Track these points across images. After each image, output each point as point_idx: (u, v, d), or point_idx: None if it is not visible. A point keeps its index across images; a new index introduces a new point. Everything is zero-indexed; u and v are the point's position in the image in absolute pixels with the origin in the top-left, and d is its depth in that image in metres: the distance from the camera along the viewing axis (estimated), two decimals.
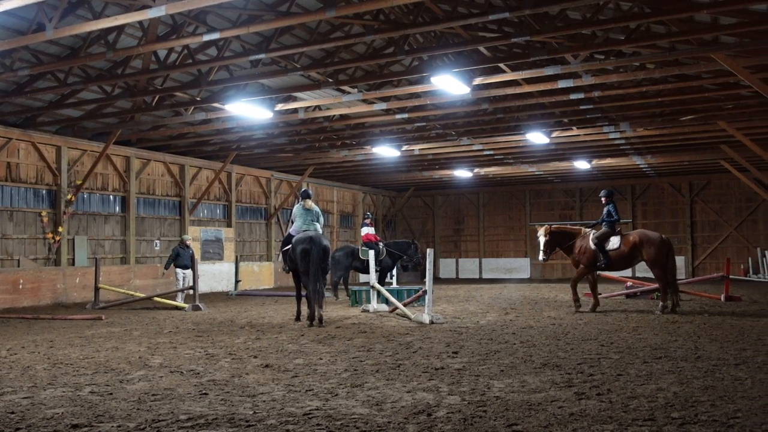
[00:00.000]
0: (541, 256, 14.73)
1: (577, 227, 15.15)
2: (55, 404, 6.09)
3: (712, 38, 13.12)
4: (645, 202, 33.26)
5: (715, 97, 17.35)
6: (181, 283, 17.68)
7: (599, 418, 5.31)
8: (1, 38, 13.34)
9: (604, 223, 14.42)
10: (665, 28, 13.25)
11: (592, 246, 14.11)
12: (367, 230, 19.88)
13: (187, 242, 17.98)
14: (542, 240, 14.57)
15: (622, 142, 23.15)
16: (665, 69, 14.95)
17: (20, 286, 17.86)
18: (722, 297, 16.24)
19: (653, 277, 14.46)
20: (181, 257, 17.54)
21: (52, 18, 11.86)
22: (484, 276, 34.79)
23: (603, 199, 14.78)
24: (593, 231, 14.44)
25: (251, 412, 5.67)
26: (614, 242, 14.09)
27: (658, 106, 18.88)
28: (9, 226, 18.40)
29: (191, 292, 16.91)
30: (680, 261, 31.65)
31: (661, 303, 13.86)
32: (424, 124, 20.98)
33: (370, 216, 20.67)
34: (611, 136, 21.65)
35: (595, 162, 27.26)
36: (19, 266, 18.36)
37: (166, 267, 18.02)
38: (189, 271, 17.45)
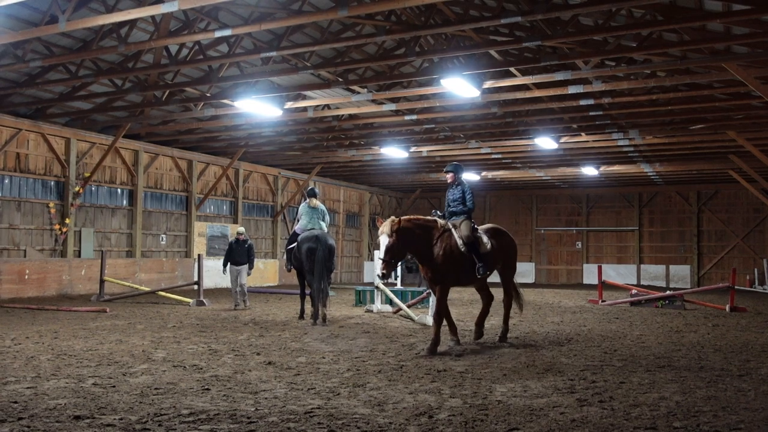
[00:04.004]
0: (378, 271, 9.63)
1: (432, 219, 9.60)
2: (58, 395, 6.12)
3: (725, 48, 13.07)
4: (652, 210, 33.16)
5: (725, 107, 17.30)
6: (234, 282, 15.74)
7: (601, 425, 5.29)
8: (14, 29, 13.40)
9: (461, 215, 9.78)
10: (677, 36, 13.22)
11: (462, 246, 9.36)
12: None
13: (242, 236, 15.98)
14: (384, 243, 9.12)
15: (631, 149, 23.10)
16: (676, 77, 14.92)
17: (26, 277, 17.94)
18: (727, 307, 16.18)
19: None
20: (234, 252, 15.76)
21: (65, 10, 11.90)
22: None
23: (449, 176, 10.12)
24: (452, 225, 9.58)
25: (253, 409, 5.68)
26: (485, 241, 9.73)
27: (668, 114, 18.82)
28: (16, 217, 18.47)
29: (243, 292, 15.70)
30: (686, 270, 31.68)
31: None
32: (432, 126, 20.99)
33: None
34: (620, 143, 21.60)
35: (603, 168, 27.20)
36: (25, 257, 18.44)
37: (224, 266, 15.81)
38: (243, 268, 15.73)
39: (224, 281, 23.99)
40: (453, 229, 9.45)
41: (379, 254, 9.33)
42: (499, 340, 10.11)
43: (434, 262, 9.18)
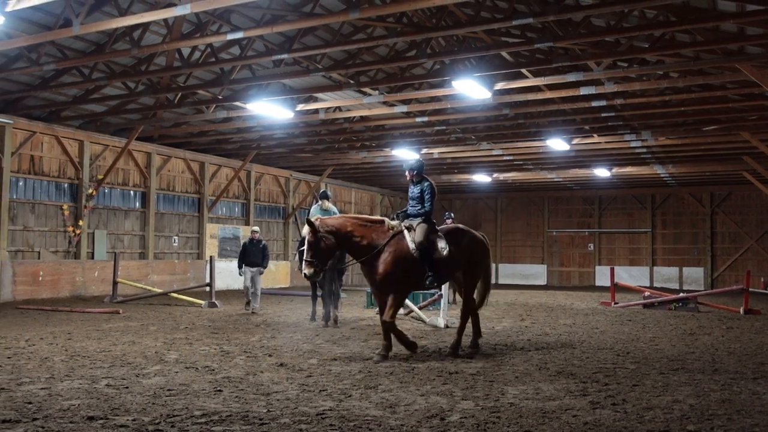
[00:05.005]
0: (305, 269, 8.63)
1: (378, 218, 9.06)
2: (71, 396, 6.16)
3: (738, 48, 12.99)
4: (665, 211, 32.96)
5: (739, 108, 17.17)
6: (248, 282, 15.25)
7: (614, 428, 5.27)
8: (28, 33, 13.51)
9: (418, 217, 8.99)
10: (690, 36, 13.14)
11: (415, 251, 8.60)
12: None
13: (256, 236, 15.58)
14: (306, 239, 8.68)
15: (644, 150, 22.98)
16: (689, 78, 14.83)
17: (40, 278, 18.07)
18: (741, 310, 16.06)
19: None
20: (248, 253, 15.32)
21: (79, 14, 11.99)
22: (501, 281, 34.64)
23: (408, 173, 9.26)
24: (406, 227, 8.84)
25: (265, 411, 5.69)
26: (441, 246, 8.81)
27: (681, 116, 18.71)
28: (31, 219, 18.62)
29: (255, 295, 15.27)
30: (699, 272, 31.47)
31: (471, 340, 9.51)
32: (444, 127, 20.98)
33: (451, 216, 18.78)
34: (632, 144, 21.50)
35: (615, 170, 27.08)
36: (39, 258, 18.58)
37: (239, 267, 15.34)
38: (257, 269, 15.29)
39: (236, 283, 24.06)
40: (406, 232, 8.72)
41: (304, 252, 8.67)
42: (447, 354, 8.97)
43: (380, 267, 8.47)
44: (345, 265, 12.15)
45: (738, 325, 13.57)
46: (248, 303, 15.28)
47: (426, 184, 9.05)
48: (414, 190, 9.14)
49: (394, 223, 8.89)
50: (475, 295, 9.59)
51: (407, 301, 14.15)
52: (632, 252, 33.36)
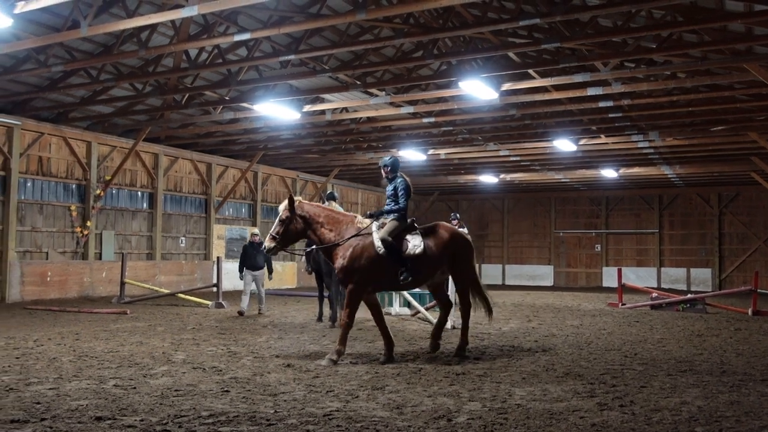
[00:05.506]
0: (267, 242, 8.78)
1: (350, 214, 9.12)
2: (79, 396, 6.18)
3: (746, 48, 12.93)
4: (672, 212, 32.84)
5: (746, 108, 17.10)
6: (247, 287, 14.93)
7: (621, 430, 5.25)
8: (37, 34, 13.58)
9: (391, 214, 8.82)
10: (698, 37, 13.09)
11: (379, 248, 8.49)
12: None
13: (257, 238, 15.13)
14: (279, 216, 8.83)
15: (651, 151, 22.91)
16: (697, 78, 14.78)
17: (48, 279, 18.15)
18: (749, 311, 15.98)
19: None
20: (249, 256, 14.88)
21: (87, 15, 12.04)
22: (507, 282, 34.61)
23: (383, 171, 9.09)
24: (375, 222, 8.77)
25: (272, 411, 5.70)
26: (415, 243, 8.71)
27: (689, 116, 18.64)
28: (39, 219, 18.70)
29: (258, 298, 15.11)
30: (707, 273, 31.33)
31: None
32: (450, 128, 20.96)
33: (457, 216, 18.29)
34: (640, 144, 21.44)
35: (622, 171, 27.00)
36: (47, 259, 18.66)
37: (240, 271, 14.95)
38: (260, 273, 14.97)
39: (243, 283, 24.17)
40: (375, 228, 8.63)
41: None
42: (454, 355, 8.84)
43: (342, 261, 8.46)
44: None
45: (746, 326, 13.51)
46: (241, 312, 14.55)
47: (399, 180, 8.90)
48: (389, 188, 9.00)
49: (367, 220, 8.80)
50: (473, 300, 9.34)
51: (414, 302, 14.17)
52: (639, 253, 33.25)
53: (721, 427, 5.37)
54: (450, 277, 9.65)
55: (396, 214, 8.75)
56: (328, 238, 8.68)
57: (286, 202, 8.77)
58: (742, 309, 16.49)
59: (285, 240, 8.77)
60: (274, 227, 8.74)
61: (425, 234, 8.90)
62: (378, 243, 8.48)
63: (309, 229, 8.75)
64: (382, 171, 9.09)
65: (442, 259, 8.89)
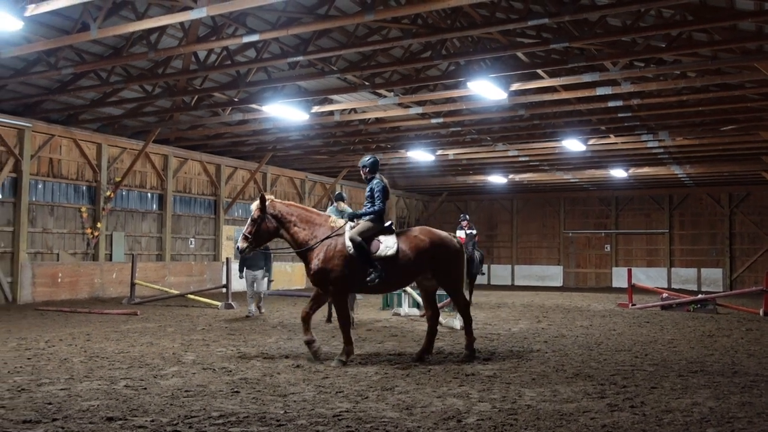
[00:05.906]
0: (240, 242, 8.77)
1: (324, 214, 9.04)
2: (90, 397, 6.21)
3: (756, 47, 12.85)
4: (682, 212, 32.68)
5: (757, 108, 17.01)
6: (251, 288, 14.87)
7: (632, 431, 5.23)
8: (47, 37, 13.65)
9: (367, 215, 8.64)
10: (708, 36, 13.02)
11: (349, 247, 8.36)
12: (460, 233, 17.99)
13: None
14: (251, 215, 8.75)
15: (661, 151, 22.81)
16: (707, 78, 14.71)
17: (59, 280, 18.25)
18: (761, 311, 15.89)
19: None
20: (249, 257, 14.12)
21: (96, 18, 12.10)
22: (517, 283, 34.54)
23: (362, 171, 9.02)
24: (350, 222, 8.65)
25: (282, 412, 5.71)
26: (388, 245, 8.46)
27: (699, 115, 18.55)
28: (50, 221, 18.81)
29: (262, 296, 15.07)
30: (718, 273, 31.17)
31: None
32: (459, 128, 20.94)
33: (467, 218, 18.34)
34: (649, 144, 21.35)
35: (632, 171, 26.90)
36: (58, 260, 18.76)
37: (240, 271, 14.79)
38: (260, 273, 14.86)
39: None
40: (347, 229, 8.48)
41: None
42: (464, 357, 8.69)
43: (312, 263, 8.39)
44: None
45: (758, 326, 13.42)
46: (249, 315, 14.48)
47: (375, 182, 8.73)
48: (367, 189, 8.87)
49: (340, 221, 8.72)
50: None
51: (422, 302, 14.12)
52: (649, 253, 33.10)
53: (732, 428, 5.34)
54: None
55: (371, 216, 8.58)
56: (301, 237, 8.57)
57: (257, 202, 8.67)
58: (754, 309, 16.40)
59: (257, 239, 8.69)
60: (247, 226, 8.67)
61: (402, 238, 8.64)
62: (348, 243, 8.34)
63: (282, 228, 8.64)
64: (361, 171, 8.97)
65: (421, 264, 8.58)
